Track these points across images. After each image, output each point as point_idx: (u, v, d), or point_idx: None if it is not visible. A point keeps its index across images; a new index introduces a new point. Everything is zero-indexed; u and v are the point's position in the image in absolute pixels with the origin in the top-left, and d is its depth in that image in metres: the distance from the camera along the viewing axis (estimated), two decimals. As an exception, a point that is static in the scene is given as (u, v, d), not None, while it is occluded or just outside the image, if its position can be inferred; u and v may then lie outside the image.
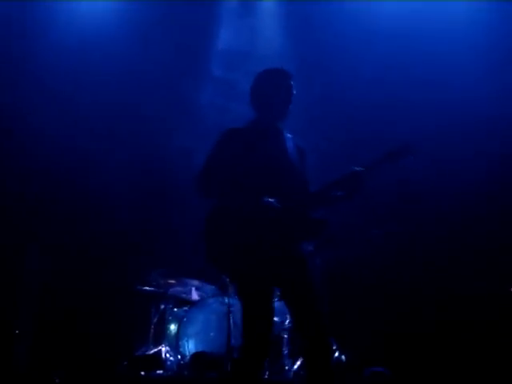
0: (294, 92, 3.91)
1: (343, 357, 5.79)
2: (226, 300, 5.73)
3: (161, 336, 5.95)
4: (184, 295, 6.30)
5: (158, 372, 5.58)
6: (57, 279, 6.77)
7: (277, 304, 6.01)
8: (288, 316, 5.96)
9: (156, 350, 5.79)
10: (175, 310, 6.10)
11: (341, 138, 7.26)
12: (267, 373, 5.64)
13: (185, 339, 5.75)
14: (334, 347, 5.84)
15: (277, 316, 6.07)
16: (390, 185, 6.17)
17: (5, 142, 6.95)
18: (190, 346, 5.74)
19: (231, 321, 5.57)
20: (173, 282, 6.13)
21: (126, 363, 5.66)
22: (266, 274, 3.53)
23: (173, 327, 5.94)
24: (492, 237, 6.61)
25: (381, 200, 6.69)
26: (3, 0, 6.85)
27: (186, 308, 6.02)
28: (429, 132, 6.52)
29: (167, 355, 5.74)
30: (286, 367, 5.71)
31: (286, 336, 5.86)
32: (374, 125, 7.07)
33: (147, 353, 5.81)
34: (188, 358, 5.59)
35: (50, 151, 7.07)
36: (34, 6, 6.91)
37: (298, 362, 5.79)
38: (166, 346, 5.80)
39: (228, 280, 3.64)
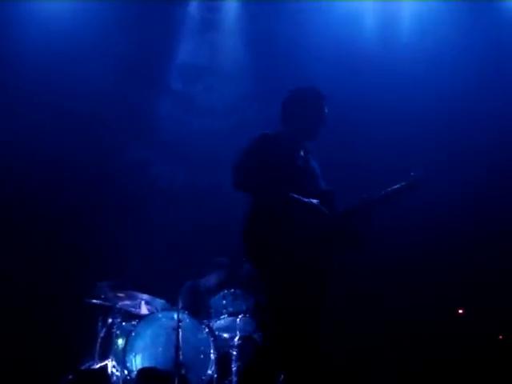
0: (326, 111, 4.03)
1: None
2: (176, 315, 5.66)
3: (108, 350, 5.82)
4: (133, 309, 6.18)
5: (104, 387, 5.46)
6: (2, 290, 6.58)
7: (227, 320, 6.04)
8: (238, 333, 5.93)
9: (102, 364, 5.66)
10: (123, 324, 5.96)
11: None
12: (215, 389, 5.59)
13: (132, 354, 5.62)
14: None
15: (226, 332, 6.05)
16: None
17: None
18: (137, 362, 5.61)
19: (180, 336, 5.50)
20: (122, 295, 6.00)
21: (70, 377, 5.51)
22: (313, 279, 3.56)
23: (120, 342, 5.80)
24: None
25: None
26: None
27: (134, 322, 5.89)
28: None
29: (113, 370, 5.61)
30: (234, 384, 5.67)
31: (234, 353, 5.82)
32: (339, 143, 7.15)
33: (93, 367, 5.68)
34: (135, 373, 5.47)
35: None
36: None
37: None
38: (112, 361, 5.66)
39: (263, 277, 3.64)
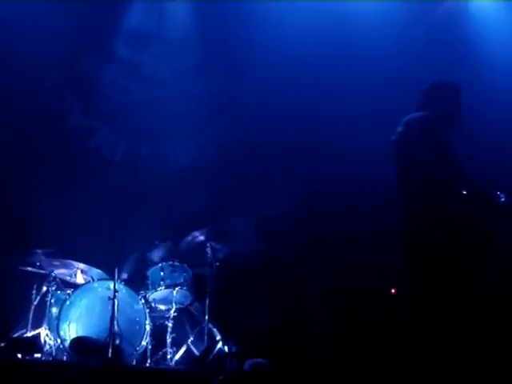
0: None
1: (226, 347, 5.85)
2: (112, 285, 5.63)
3: (41, 319, 5.76)
4: (69, 278, 6.13)
5: (36, 355, 5.40)
6: None
7: (164, 292, 6.05)
8: (174, 305, 5.96)
9: (35, 332, 5.62)
10: (58, 292, 5.91)
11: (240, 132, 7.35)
12: (149, 361, 5.61)
13: (66, 323, 5.58)
14: (218, 338, 5.90)
15: (162, 304, 6.07)
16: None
17: None
18: (70, 331, 5.58)
19: (115, 306, 5.48)
20: (57, 263, 5.95)
21: (2, 345, 5.44)
22: None
23: (54, 310, 5.75)
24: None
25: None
26: None
27: (69, 291, 5.85)
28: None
29: (46, 339, 5.56)
30: (169, 356, 5.70)
31: (170, 325, 5.85)
32: (277, 120, 7.18)
33: (26, 335, 5.63)
34: (68, 342, 5.45)
35: None
36: None
37: (181, 351, 5.80)
38: (45, 329, 5.62)
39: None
